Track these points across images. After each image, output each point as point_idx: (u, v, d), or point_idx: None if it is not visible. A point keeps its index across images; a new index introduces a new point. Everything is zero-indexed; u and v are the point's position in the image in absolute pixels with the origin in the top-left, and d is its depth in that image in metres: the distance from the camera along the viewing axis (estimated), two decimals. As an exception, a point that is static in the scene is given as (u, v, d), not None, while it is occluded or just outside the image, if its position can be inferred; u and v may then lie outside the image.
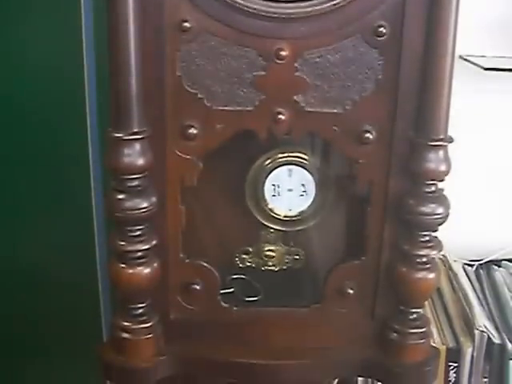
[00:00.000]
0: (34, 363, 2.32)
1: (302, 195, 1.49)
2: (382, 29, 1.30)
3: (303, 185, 1.48)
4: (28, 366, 2.34)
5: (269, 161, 1.48)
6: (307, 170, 1.47)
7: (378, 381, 1.59)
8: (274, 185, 1.48)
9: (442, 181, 1.36)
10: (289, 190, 1.49)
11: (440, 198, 1.37)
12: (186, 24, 1.28)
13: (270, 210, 1.49)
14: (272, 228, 1.52)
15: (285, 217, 1.51)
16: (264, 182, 1.47)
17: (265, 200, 1.48)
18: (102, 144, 1.95)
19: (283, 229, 1.52)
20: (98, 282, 2.17)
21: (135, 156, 1.29)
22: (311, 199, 1.49)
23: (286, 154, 1.48)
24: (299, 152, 1.48)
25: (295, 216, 1.51)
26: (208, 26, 1.29)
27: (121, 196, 1.33)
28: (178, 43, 1.30)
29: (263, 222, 1.50)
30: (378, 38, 1.31)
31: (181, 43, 1.30)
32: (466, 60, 1.79)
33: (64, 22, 1.95)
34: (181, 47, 1.30)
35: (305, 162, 1.48)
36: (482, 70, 1.74)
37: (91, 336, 1.99)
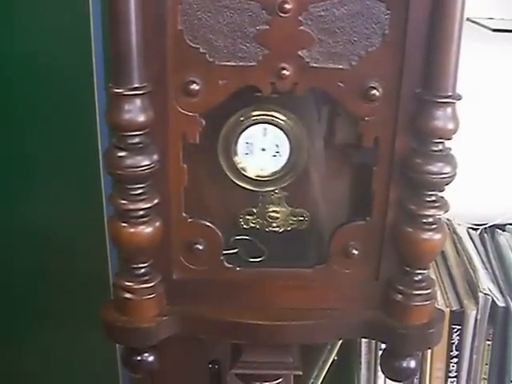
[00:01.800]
0: (43, 325, 2.33)
1: (275, 156, 1.45)
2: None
3: (277, 145, 1.44)
4: (36, 328, 2.35)
5: (243, 118, 1.43)
6: (283, 131, 1.43)
7: (382, 342, 1.58)
8: (247, 143, 1.44)
9: (449, 139, 1.33)
10: (262, 149, 1.45)
11: (447, 157, 1.34)
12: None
13: (242, 168, 1.45)
14: (242, 187, 1.48)
15: (256, 176, 1.47)
16: (237, 140, 1.43)
17: (237, 158, 1.44)
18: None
19: (253, 188, 1.49)
20: (106, 242, 2.16)
21: (136, 112, 1.27)
22: (284, 160, 1.45)
23: (262, 112, 1.43)
24: (276, 111, 1.43)
25: (267, 176, 1.46)
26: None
27: (121, 153, 1.30)
28: (178, -3, 1.26)
29: (234, 180, 1.46)
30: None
31: (181, -4, 1.26)
32: (473, 22, 1.75)
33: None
34: (181, 0, 1.26)
35: (281, 122, 1.43)
36: (490, 32, 1.70)
37: (101, 296, 1.98)
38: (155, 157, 1.33)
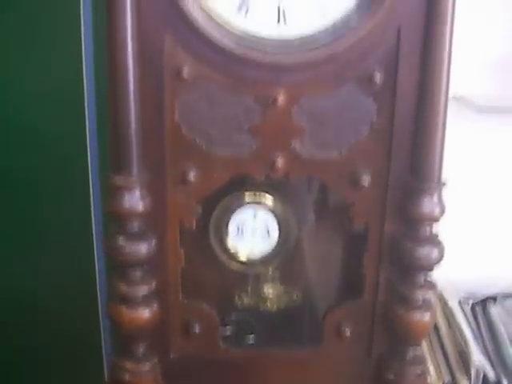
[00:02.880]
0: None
1: (265, 237, 1.51)
2: (376, 76, 1.33)
3: (267, 227, 1.51)
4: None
5: (233, 201, 1.51)
6: (272, 213, 1.49)
7: (376, 419, 1.60)
8: (238, 227, 1.50)
9: (436, 221, 1.39)
10: (252, 231, 1.50)
11: (434, 240, 1.39)
12: (184, 72, 1.31)
13: (234, 252, 1.51)
14: (234, 269, 1.53)
15: (248, 259, 1.52)
16: (228, 223, 1.50)
17: (228, 240, 1.50)
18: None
19: (246, 270, 1.55)
20: (100, 321, 2.18)
21: (135, 201, 1.32)
22: (274, 242, 1.52)
23: (252, 197, 1.51)
24: (265, 194, 1.50)
25: (258, 258, 1.52)
26: (205, 73, 1.32)
27: (121, 239, 1.35)
28: (176, 90, 1.33)
29: (227, 263, 1.53)
30: (373, 85, 1.33)
31: (179, 90, 1.33)
32: (458, 100, 1.82)
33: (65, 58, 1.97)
34: (179, 94, 1.33)
35: (270, 204, 1.50)
36: (475, 110, 1.77)
37: (92, 372, 2.00)
38: (153, 242, 1.37)
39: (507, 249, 2.13)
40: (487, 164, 2.04)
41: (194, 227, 1.40)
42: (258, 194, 1.49)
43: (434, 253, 1.38)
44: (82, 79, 1.93)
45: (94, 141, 2.00)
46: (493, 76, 1.83)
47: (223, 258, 1.50)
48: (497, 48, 1.79)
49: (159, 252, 1.39)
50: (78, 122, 2.00)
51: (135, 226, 1.34)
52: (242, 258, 1.49)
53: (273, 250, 1.50)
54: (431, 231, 1.39)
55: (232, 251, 1.49)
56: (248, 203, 1.49)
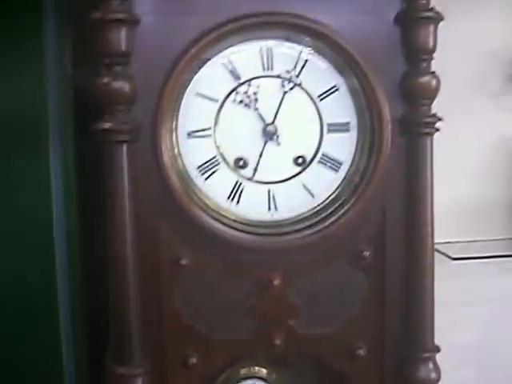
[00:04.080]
0: None
1: None
2: (365, 252, 1.39)
3: None
4: None
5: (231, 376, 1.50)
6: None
7: None
8: None
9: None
10: None
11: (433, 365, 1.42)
12: (182, 261, 1.35)
13: None
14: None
15: None
16: None
17: None
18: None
19: None
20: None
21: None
22: None
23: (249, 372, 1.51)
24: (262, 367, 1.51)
25: None
26: (203, 260, 1.36)
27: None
28: (174, 278, 1.37)
29: None
30: (362, 261, 1.39)
31: (177, 278, 1.37)
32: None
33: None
34: (177, 282, 1.37)
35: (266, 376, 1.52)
36: (450, 258, 1.84)
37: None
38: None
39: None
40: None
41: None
42: (254, 368, 1.51)
43: (432, 375, 1.41)
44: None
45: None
46: (464, 223, 1.90)
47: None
48: (467, 196, 1.88)
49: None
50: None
51: None
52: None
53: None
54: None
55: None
56: (245, 378, 1.50)
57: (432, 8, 1.36)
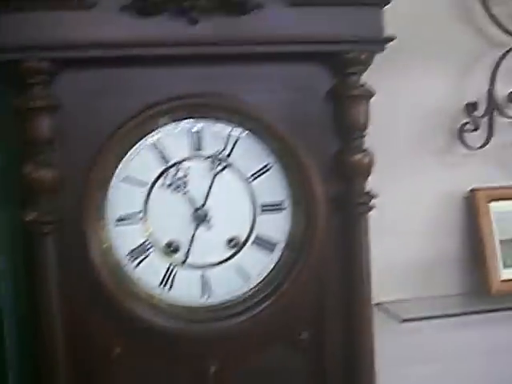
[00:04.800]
0: None
1: None
2: (303, 334, 1.36)
3: None
4: None
5: None
6: None
7: None
8: None
9: None
10: None
11: None
12: (114, 351, 1.31)
13: None
14: None
15: None
16: None
17: None
18: None
19: None
20: None
21: None
22: None
23: None
24: None
25: None
26: (135, 350, 1.33)
27: None
28: (106, 368, 1.32)
29: None
30: (301, 343, 1.36)
31: (110, 368, 1.32)
32: (382, 310, 1.84)
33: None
34: (110, 372, 1.32)
35: None
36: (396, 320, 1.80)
37: None
38: None
39: None
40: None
41: None
42: None
43: None
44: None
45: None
46: (414, 281, 1.87)
47: None
48: (417, 253, 1.85)
49: None
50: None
51: None
52: None
53: None
54: None
55: None
56: None
57: (363, 85, 1.33)
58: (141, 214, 1.34)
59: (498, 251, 1.82)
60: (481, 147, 1.76)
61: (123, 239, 1.34)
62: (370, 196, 1.35)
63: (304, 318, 1.37)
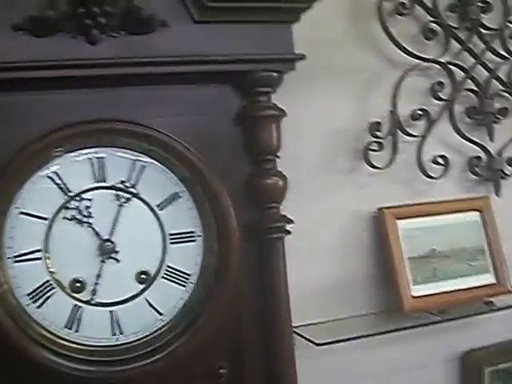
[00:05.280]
0: None
1: None
2: (222, 369, 1.29)
3: None
4: None
5: None
6: None
7: None
8: None
9: None
10: None
11: None
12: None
13: None
14: None
15: None
16: None
17: None
18: None
19: None
20: None
21: None
22: None
23: None
24: None
25: None
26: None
27: None
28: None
29: None
30: (220, 379, 1.29)
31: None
32: (299, 335, 1.80)
33: None
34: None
35: None
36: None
37: None
38: None
39: None
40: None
41: None
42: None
43: None
44: None
45: None
46: (327, 305, 1.84)
47: None
48: (326, 276, 1.82)
49: None
50: None
51: None
52: None
53: None
54: None
55: None
56: None
57: (273, 105, 1.29)
58: (41, 252, 1.24)
59: (407, 268, 1.81)
60: (386, 166, 1.75)
61: (23, 279, 1.24)
62: (287, 219, 1.30)
63: (222, 351, 1.30)
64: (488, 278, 1.87)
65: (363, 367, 1.87)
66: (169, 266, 1.30)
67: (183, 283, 1.31)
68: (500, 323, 1.92)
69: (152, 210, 1.29)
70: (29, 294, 1.24)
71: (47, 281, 1.25)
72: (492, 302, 1.83)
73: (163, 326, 1.30)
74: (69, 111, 1.21)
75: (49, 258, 1.25)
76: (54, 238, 1.25)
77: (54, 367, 1.21)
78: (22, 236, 1.23)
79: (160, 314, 1.30)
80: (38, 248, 1.24)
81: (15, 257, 1.23)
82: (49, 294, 1.25)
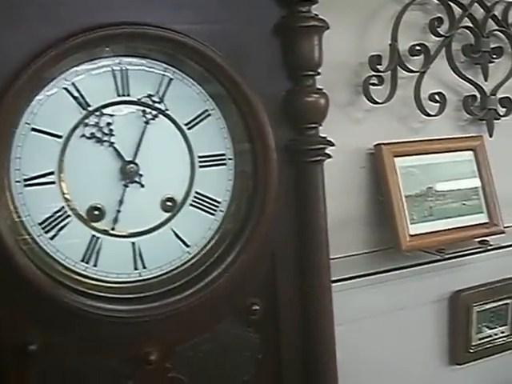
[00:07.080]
0: None
1: None
2: (254, 306, 1.17)
3: None
4: None
5: None
6: None
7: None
8: None
9: None
10: None
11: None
12: (30, 347, 1.04)
13: None
14: None
15: None
16: None
17: None
18: None
19: None
20: None
21: None
22: None
23: None
24: None
25: None
26: (57, 343, 1.07)
27: None
28: (23, 368, 1.05)
29: None
30: (252, 316, 1.18)
31: (26, 367, 1.06)
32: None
33: None
34: (27, 372, 1.06)
35: None
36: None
37: None
38: None
39: None
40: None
41: None
42: None
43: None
44: None
45: None
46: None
47: None
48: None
49: None
50: None
51: None
52: None
53: None
54: None
55: None
56: None
57: (315, 16, 1.16)
58: (55, 174, 1.08)
59: (404, 206, 1.75)
60: (384, 102, 1.66)
61: (34, 205, 1.08)
62: (327, 141, 1.19)
63: (255, 288, 1.18)
64: (482, 218, 1.85)
65: (357, 306, 1.82)
66: (197, 192, 1.16)
67: (212, 211, 1.18)
68: (492, 263, 1.91)
69: (180, 129, 1.15)
70: (40, 224, 1.08)
71: (61, 208, 1.09)
72: (488, 241, 1.80)
73: (189, 260, 1.17)
74: (92, 11, 1.05)
75: (63, 182, 1.09)
76: (69, 159, 1.09)
77: (70, 305, 1.07)
78: (32, 156, 1.07)
79: (187, 245, 1.17)
80: (52, 170, 1.08)
81: (25, 180, 1.06)
82: (63, 223, 1.10)
